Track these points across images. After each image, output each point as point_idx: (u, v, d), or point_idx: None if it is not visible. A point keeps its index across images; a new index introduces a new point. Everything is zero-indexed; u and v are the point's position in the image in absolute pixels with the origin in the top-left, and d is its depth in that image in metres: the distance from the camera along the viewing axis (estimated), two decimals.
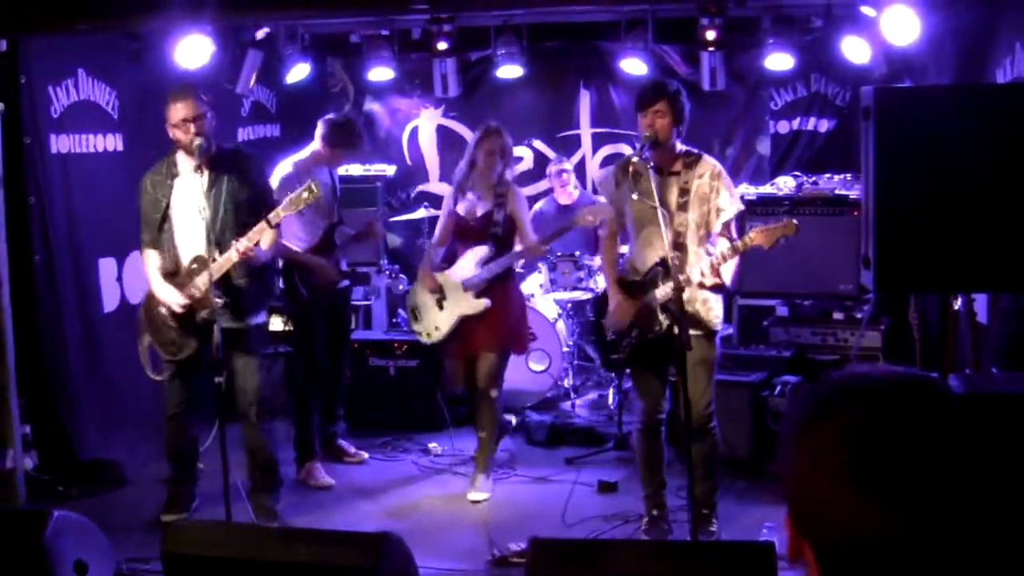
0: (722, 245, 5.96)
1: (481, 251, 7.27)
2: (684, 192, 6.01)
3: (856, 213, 7.99)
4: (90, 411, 7.55)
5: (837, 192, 8.50)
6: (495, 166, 7.21)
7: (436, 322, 7.44)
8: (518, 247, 7.37)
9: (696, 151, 6.15)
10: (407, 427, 8.64)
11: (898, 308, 8.17)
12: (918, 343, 7.67)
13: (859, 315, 8.19)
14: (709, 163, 6.08)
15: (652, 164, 5.85)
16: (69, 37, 7.15)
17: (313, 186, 6.20)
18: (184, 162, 6.36)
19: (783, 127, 10.19)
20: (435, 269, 7.52)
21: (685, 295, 5.77)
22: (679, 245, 5.97)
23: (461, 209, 7.37)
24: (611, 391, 9.01)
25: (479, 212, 7.32)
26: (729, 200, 6.02)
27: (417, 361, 8.74)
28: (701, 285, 5.87)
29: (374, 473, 7.89)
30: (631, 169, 5.88)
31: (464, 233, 7.39)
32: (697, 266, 5.87)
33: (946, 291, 6.05)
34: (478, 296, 7.27)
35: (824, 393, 1.56)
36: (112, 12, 6.47)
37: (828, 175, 8.82)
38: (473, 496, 7.33)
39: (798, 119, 10.12)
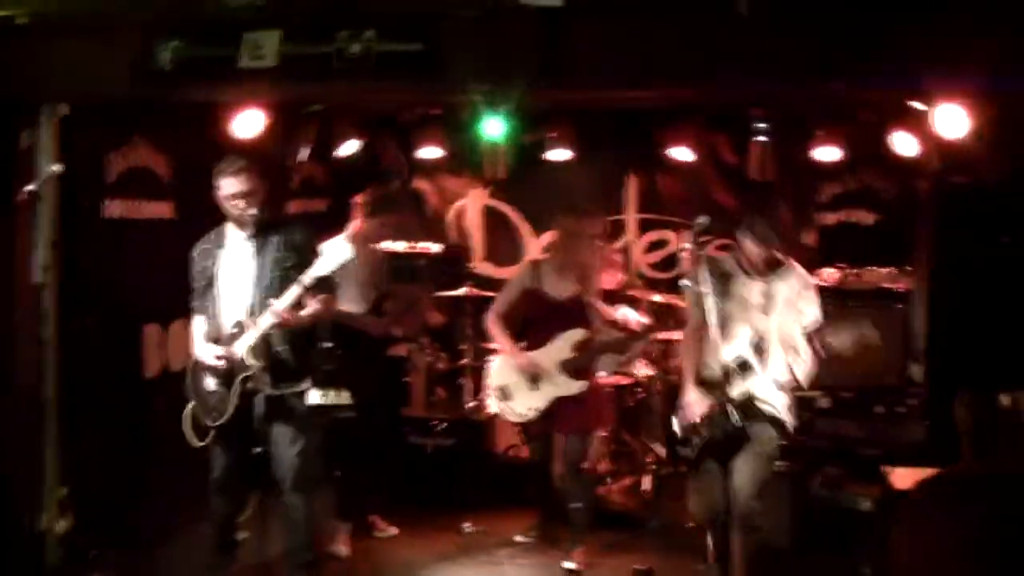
0: (801, 348, 6.08)
1: (577, 334, 7.32)
2: (768, 295, 6.19)
3: (901, 306, 7.96)
4: (130, 475, 7.55)
5: (882, 285, 8.46)
6: (584, 249, 7.36)
7: (531, 402, 7.48)
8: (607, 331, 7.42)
9: (785, 259, 6.32)
10: (442, 505, 8.58)
11: (943, 403, 8.08)
12: (964, 439, 7.56)
13: (902, 409, 8.10)
14: (797, 271, 6.30)
15: (741, 265, 6.19)
16: (127, 104, 7.25)
17: (346, 249, 6.22)
18: (233, 232, 6.41)
19: (830, 219, 10.16)
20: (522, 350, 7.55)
21: (760, 394, 6.01)
22: (759, 347, 6.15)
23: (548, 289, 7.44)
24: (648, 477, 8.93)
25: (568, 293, 7.40)
26: (813, 308, 6.20)
27: (455, 439, 8.72)
28: (774, 386, 6.10)
29: (406, 549, 7.85)
30: (720, 269, 6.23)
31: (553, 314, 7.44)
32: (774, 366, 6.05)
33: (996, 388, 5.98)
34: (577, 378, 7.29)
35: (946, 486, 1.55)
36: (171, 84, 6.56)
37: (873, 267, 8.78)
38: (568, 566, 7.38)
39: (844, 211, 10.10)
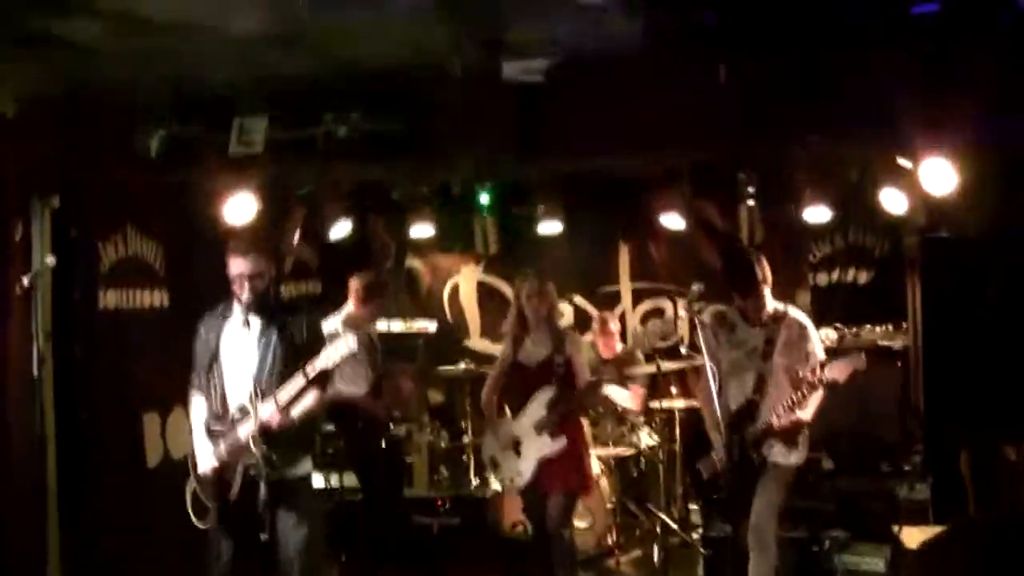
0: (803, 386, 6.35)
1: (548, 393, 7.37)
2: (770, 341, 6.50)
3: (899, 363, 7.96)
4: (131, 566, 7.49)
5: (880, 343, 8.46)
6: (543, 310, 7.37)
7: (518, 468, 7.50)
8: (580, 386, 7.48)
9: (783, 306, 6.66)
10: None
11: (946, 459, 8.05)
12: (971, 493, 7.53)
13: (907, 467, 8.07)
14: (797, 316, 6.60)
15: (745, 317, 6.58)
16: (118, 192, 7.29)
17: (350, 341, 6.19)
18: (239, 310, 6.37)
19: (822, 279, 10.18)
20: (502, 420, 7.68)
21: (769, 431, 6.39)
22: (761, 390, 6.49)
23: (521, 358, 7.53)
24: (656, 547, 8.87)
25: (540, 357, 7.46)
26: (816, 347, 6.52)
27: (460, 518, 8.67)
28: (787, 424, 6.36)
29: None
30: (725, 320, 6.66)
31: (527, 380, 7.50)
32: (777, 406, 6.36)
33: (997, 440, 5.99)
34: (552, 437, 7.31)
35: (954, 539, 1.54)
36: (159, 169, 6.61)
37: (869, 326, 8.78)
38: None
39: (837, 271, 10.13)
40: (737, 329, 6.62)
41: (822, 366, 6.27)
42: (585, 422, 9.30)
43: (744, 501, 6.48)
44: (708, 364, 6.31)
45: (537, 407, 7.45)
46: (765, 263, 6.54)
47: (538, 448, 7.41)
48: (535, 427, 7.41)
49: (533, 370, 7.50)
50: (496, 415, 7.73)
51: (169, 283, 8.09)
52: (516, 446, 7.49)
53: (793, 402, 6.30)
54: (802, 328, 6.51)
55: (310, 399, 6.26)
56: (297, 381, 6.06)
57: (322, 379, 6.29)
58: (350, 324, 7.60)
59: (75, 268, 7.23)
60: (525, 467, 7.47)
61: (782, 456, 6.48)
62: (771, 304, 6.58)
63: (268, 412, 6.03)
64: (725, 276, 6.72)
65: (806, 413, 6.37)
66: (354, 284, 7.90)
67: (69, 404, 7.15)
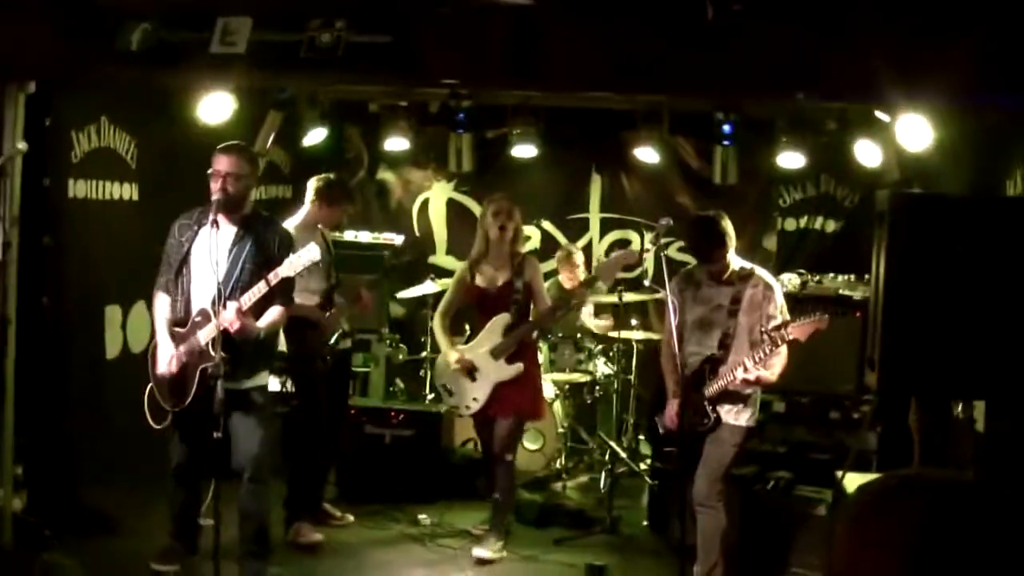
0: (764, 345, 6.35)
1: (504, 319, 7.43)
2: (736, 300, 6.50)
3: (859, 314, 8.04)
4: (88, 456, 7.54)
5: (841, 292, 8.55)
6: (508, 236, 7.37)
7: (473, 393, 7.54)
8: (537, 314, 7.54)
9: (750, 266, 6.65)
10: (398, 497, 8.59)
11: (896, 411, 8.17)
12: (918, 447, 7.66)
13: (856, 416, 8.19)
14: (763, 276, 6.59)
15: (711, 275, 6.57)
16: (96, 84, 7.23)
17: (313, 251, 6.20)
18: (214, 215, 6.35)
19: (791, 225, 10.28)
20: (457, 344, 7.72)
21: (727, 390, 6.42)
22: (725, 346, 6.49)
23: (480, 281, 7.51)
24: (603, 475, 9.00)
25: (499, 282, 7.48)
26: (780, 308, 6.51)
27: (413, 431, 8.75)
28: (746, 381, 6.38)
29: (363, 541, 7.86)
30: (692, 277, 6.64)
31: (485, 303, 7.53)
32: (740, 365, 6.34)
33: (949, 398, 6.09)
34: (509, 362, 7.37)
35: (886, 488, 1.57)
36: (140, 66, 6.54)
37: (832, 275, 8.86)
38: (479, 554, 7.43)
39: (806, 218, 10.22)
40: (703, 286, 6.62)
41: (785, 326, 6.31)
42: (544, 347, 9.44)
43: (694, 457, 6.55)
44: (670, 299, 6.38)
45: (494, 332, 7.49)
46: (728, 226, 6.50)
47: (494, 373, 7.46)
48: (491, 352, 7.46)
49: (492, 294, 7.53)
50: (448, 338, 7.76)
51: (140, 178, 8.06)
52: (471, 372, 7.53)
53: (755, 361, 6.32)
54: (767, 288, 6.51)
55: (275, 312, 6.31)
56: (259, 287, 6.11)
57: (286, 288, 6.33)
58: (305, 228, 7.55)
59: (47, 156, 7.19)
60: (480, 393, 7.51)
61: (733, 416, 6.52)
62: (737, 263, 6.58)
63: (229, 317, 6.06)
64: (688, 243, 6.71)
65: (767, 373, 6.40)
66: (313, 185, 7.84)
67: (33, 290, 7.14)
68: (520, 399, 7.52)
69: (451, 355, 7.61)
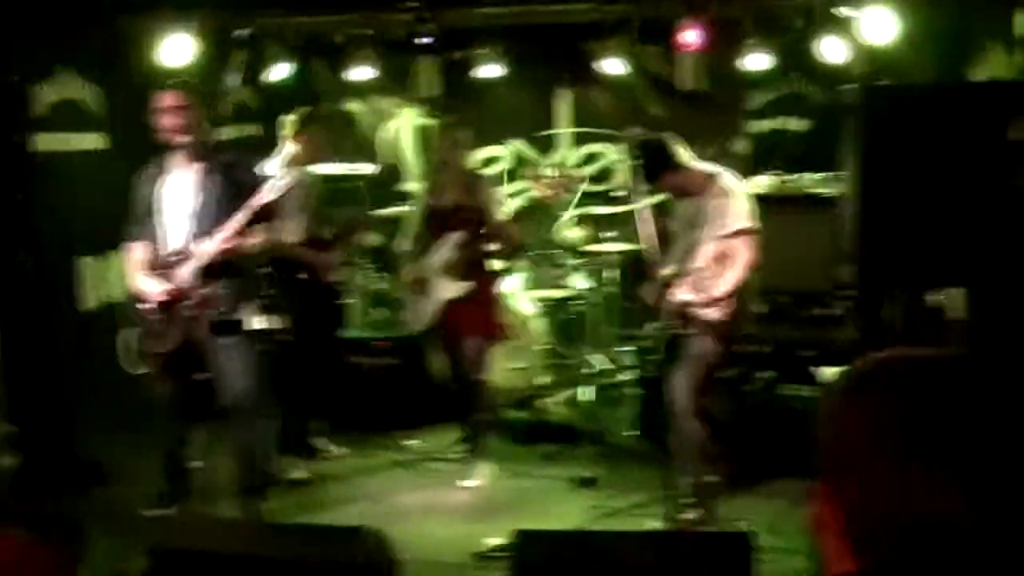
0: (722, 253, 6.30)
1: (457, 237, 7.47)
2: (699, 212, 6.43)
3: (833, 211, 8.08)
4: (77, 407, 7.56)
5: (814, 190, 8.58)
6: (458, 157, 7.48)
7: (424, 309, 7.60)
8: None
9: (714, 172, 6.50)
10: (385, 425, 8.65)
11: (875, 305, 8.23)
12: (893, 338, 7.74)
13: (837, 312, 8.25)
14: (723, 184, 6.43)
15: (672, 192, 6.56)
16: (54, 34, 7.16)
17: (282, 182, 6.19)
18: (177, 160, 6.34)
19: (761, 127, 10.28)
20: (413, 261, 7.73)
21: (696, 302, 6.35)
22: (687, 259, 6.44)
23: (436, 203, 7.60)
24: (588, 388, 9.06)
25: (451, 202, 7.51)
26: (733, 216, 6.33)
27: (394, 358, 8.79)
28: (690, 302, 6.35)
29: (353, 471, 7.93)
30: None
31: (439, 224, 7.59)
32: (701, 277, 6.32)
33: (926, 287, 6.13)
34: (460, 280, 7.42)
35: (874, 366, 1.59)
36: (98, 9, 6.49)
37: (805, 174, 8.88)
38: (469, 483, 7.54)
39: (776, 119, 10.22)
40: (671, 201, 6.65)
41: (731, 236, 6.30)
42: (523, 265, 9.48)
43: (671, 359, 6.58)
44: (645, 208, 6.39)
45: (446, 250, 7.55)
46: (677, 148, 6.46)
47: (444, 290, 7.53)
48: (443, 269, 7.52)
49: (445, 214, 7.57)
50: (410, 259, 7.79)
51: (107, 126, 8.01)
52: (424, 288, 7.60)
53: (713, 273, 6.31)
54: (722, 196, 6.40)
55: (262, 233, 6.31)
56: (232, 223, 6.10)
57: (267, 217, 6.32)
58: (290, 164, 7.54)
59: (9, 111, 7.14)
60: (431, 308, 7.59)
61: (701, 329, 6.45)
62: (702, 172, 6.50)
63: (206, 251, 6.06)
64: (643, 167, 6.64)
65: (725, 284, 6.32)
66: (289, 121, 7.81)
67: (10, 246, 7.12)
68: (479, 319, 7.57)
69: (407, 269, 7.73)
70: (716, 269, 6.32)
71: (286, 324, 7.76)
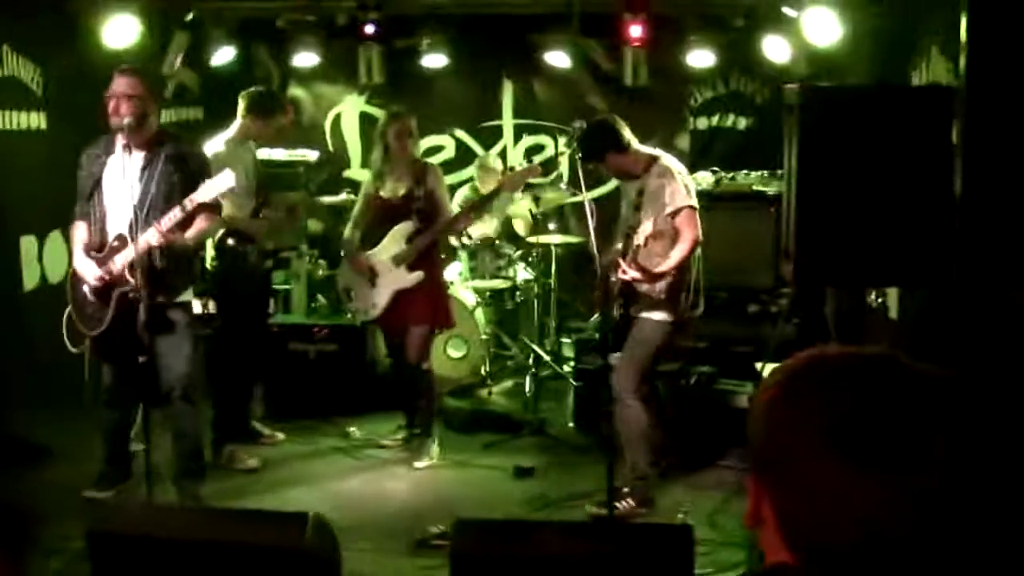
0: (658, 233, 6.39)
1: (406, 227, 7.50)
2: (641, 192, 6.50)
3: (772, 209, 8.18)
4: (16, 388, 7.49)
5: (754, 188, 8.68)
6: (407, 146, 7.47)
7: (372, 299, 7.63)
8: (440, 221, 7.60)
9: (655, 154, 6.61)
10: (326, 411, 8.64)
11: (812, 303, 8.34)
12: (833, 337, 7.84)
13: (774, 309, 8.35)
14: (659, 166, 6.51)
15: (617, 173, 6.68)
16: None
17: (228, 177, 6.15)
18: (122, 142, 6.28)
19: (702, 123, 10.39)
20: (359, 251, 7.67)
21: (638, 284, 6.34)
22: (629, 239, 6.48)
23: (383, 192, 7.55)
24: (528, 379, 9.10)
25: (401, 192, 7.53)
26: (673, 195, 6.39)
27: (336, 345, 8.78)
28: (635, 279, 6.30)
29: (294, 457, 7.91)
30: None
31: (388, 214, 7.59)
32: (641, 258, 6.33)
33: (862, 286, 6.22)
34: (410, 270, 7.43)
35: (805, 364, 1.63)
36: None
37: (745, 171, 8.97)
38: (420, 465, 7.58)
39: (717, 116, 10.34)
40: (622, 185, 6.72)
41: (673, 215, 6.36)
42: (464, 255, 9.51)
43: (617, 345, 6.65)
44: (587, 201, 6.44)
45: (395, 240, 7.56)
46: (622, 127, 6.54)
47: (394, 280, 7.54)
48: (392, 259, 7.53)
49: (395, 204, 7.57)
50: (356, 249, 7.79)
51: (48, 105, 7.93)
52: (372, 277, 7.60)
53: (656, 252, 6.37)
54: (663, 175, 6.46)
55: (202, 220, 6.28)
56: (175, 213, 6.06)
57: (209, 209, 6.29)
58: (235, 142, 7.49)
59: None
60: (380, 299, 7.60)
61: (646, 312, 6.53)
62: (644, 155, 6.59)
63: (149, 239, 6.02)
64: (580, 146, 6.67)
65: (670, 260, 6.35)
66: (243, 100, 7.72)
67: None
68: (426, 307, 7.59)
69: (355, 259, 7.70)
70: (659, 247, 6.39)
71: (219, 310, 7.74)
